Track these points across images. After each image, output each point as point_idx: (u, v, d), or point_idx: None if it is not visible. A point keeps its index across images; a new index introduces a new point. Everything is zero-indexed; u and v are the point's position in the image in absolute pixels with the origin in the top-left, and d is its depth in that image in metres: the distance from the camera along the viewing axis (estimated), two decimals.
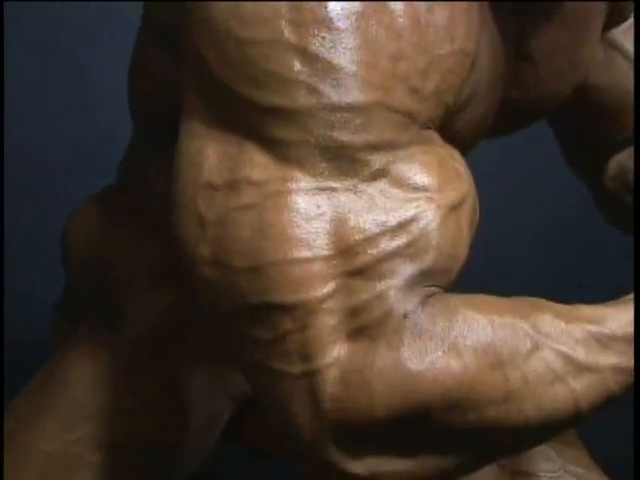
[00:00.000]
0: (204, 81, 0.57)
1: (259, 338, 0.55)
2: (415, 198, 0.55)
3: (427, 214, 0.55)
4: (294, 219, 0.53)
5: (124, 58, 0.98)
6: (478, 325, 0.55)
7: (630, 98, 0.86)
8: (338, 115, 0.54)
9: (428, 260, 0.55)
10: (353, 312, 0.53)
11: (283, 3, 0.54)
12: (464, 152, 0.69)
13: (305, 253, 0.53)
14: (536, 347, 0.55)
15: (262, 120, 0.55)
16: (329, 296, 0.53)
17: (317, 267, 0.53)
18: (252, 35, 0.54)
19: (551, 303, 0.58)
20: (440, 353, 0.53)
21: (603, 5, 0.80)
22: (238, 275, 0.54)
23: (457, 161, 0.59)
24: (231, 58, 0.55)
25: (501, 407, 0.54)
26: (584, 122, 0.91)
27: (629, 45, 0.86)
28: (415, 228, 0.55)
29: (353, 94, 0.54)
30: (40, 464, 0.75)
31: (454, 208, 0.57)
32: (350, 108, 0.54)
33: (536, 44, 0.74)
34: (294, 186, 0.54)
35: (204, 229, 0.55)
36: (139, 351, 0.78)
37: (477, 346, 0.54)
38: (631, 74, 0.86)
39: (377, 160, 0.55)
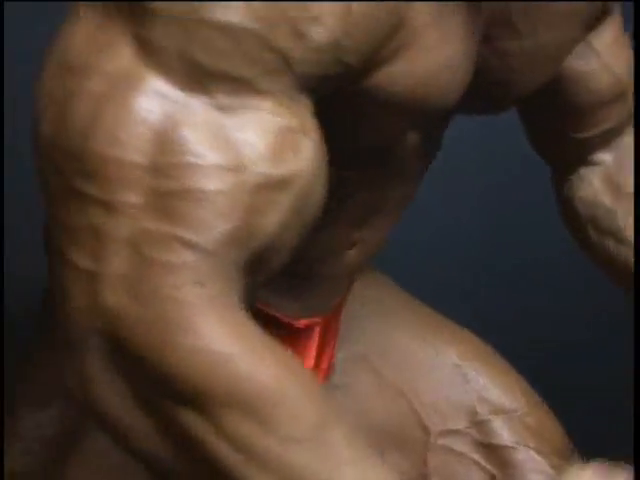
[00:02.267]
0: None
1: (61, 218, 0.54)
2: (241, 153, 0.52)
3: (245, 173, 0.53)
4: (124, 117, 0.52)
5: None
6: (266, 364, 0.52)
7: (596, 96, 0.82)
8: (207, 32, 0.51)
9: (234, 221, 0.52)
10: (150, 236, 0.52)
11: None
12: (432, 118, 0.65)
13: (121, 154, 0.52)
14: (314, 439, 0.53)
15: (138, 15, 0.52)
16: (132, 206, 0.52)
17: (129, 172, 0.52)
18: None
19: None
20: (207, 356, 0.51)
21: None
22: (66, 157, 0.53)
23: (308, 137, 0.55)
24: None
25: (232, 452, 0.52)
26: (552, 114, 0.85)
27: (598, 45, 0.81)
28: (229, 179, 0.52)
29: (230, 14, 0.51)
30: (16, 448, 0.74)
31: (278, 183, 0.53)
32: (221, 27, 0.51)
33: (520, 13, 0.67)
34: (138, 84, 0.52)
35: (49, 107, 0.55)
36: None
37: (249, 378, 0.52)
38: (601, 75, 0.82)
39: (226, 95, 0.52)
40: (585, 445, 0.92)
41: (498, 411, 0.89)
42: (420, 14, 0.57)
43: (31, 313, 0.93)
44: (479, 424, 0.88)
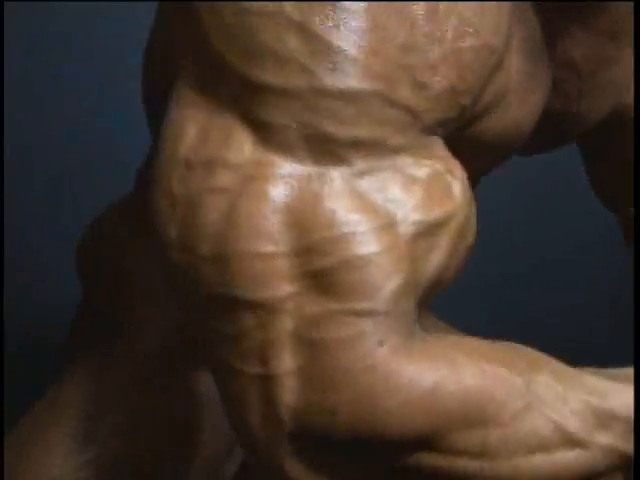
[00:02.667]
0: (199, 48, 0.52)
1: (218, 330, 0.51)
2: (392, 209, 0.51)
3: (402, 226, 0.51)
4: (262, 209, 0.49)
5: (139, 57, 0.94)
6: (465, 372, 0.50)
7: None
8: (328, 101, 0.49)
9: (400, 276, 0.50)
10: (317, 321, 0.50)
11: None
12: (492, 164, 0.66)
13: (268, 247, 0.49)
14: (526, 408, 0.51)
15: (249, 97, 0.50)
16: (290, 297, 0.49)
17: (280, 264, 0.49)
18: (252, 4, 0.50)
19: (553, 361, 0.54)
20: (415, 394, 0.49)
21: None
22: (203, 262, 0.50)
23: (454, 176, 0.54)
24: (227, 26, 0.51)
25: (474, 462, 0.51)
26: (616, 148, 0.84)
27: None
28: (386, 237, 0.50)
29: (349, 79, 0.49)
30: None
31: (435, 227, 0.52)
32: (343, 95, 0.49)
33: (581, 51, 0.68)
34: (269, 171, 0.50)
35: (174, 209, 0.52)
36: (147, 366, 0.74)
37: (461, 393, 0.50)
38: None
39: (361, 161, 0.50)
40: None
41: None
42: (516, 58, 0.58)
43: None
44: None
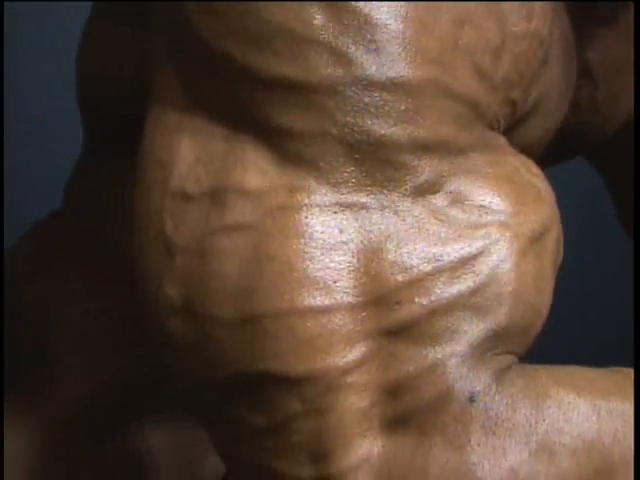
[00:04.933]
0: (181, 45, 0.40)
1: (251, 424, 0.38)
2: (482, 224, 0.39)
3: (500, 247, 0.39)
4: (306, 249, 0.37)
5: None
6: (579, 413, 0.39)
7: None
8: (375, 96, 0.37)
9: (502, 314, 0.39)
10: (393, 391, 0.37)
11: None
12: None
13: (322, 300, 0.37)
14: None
15: (261, 99, 0.38)
16: (357, 365, 0.37)
17: (339, 321, 0.37)
18: None
19: None
20: (525, 455, 0.37)
21: None
22: (221, 330, 0.37)
23: (536, 176, 0.43)
24: (221, 10, 0.38)
25: None
26: (626, 160, 0.75)
27: None
28: (484, 267, 0.38)
29: (398, 65, 0.37)
30: None
31: (535, 240, 0.40)
32: (393, 86, 0.37)
33: (598, 57, 0.58)
34: (306, 200, 0.37)
35: (172, 259, 0.38)
36: (73, 428, 0.59)
37: (578, 445, 0.38)
38: None
39: (427, 167, 0.38)
40: None
41: None
42: (555, 58, 0.48)
43: None
44: None
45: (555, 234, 0.42)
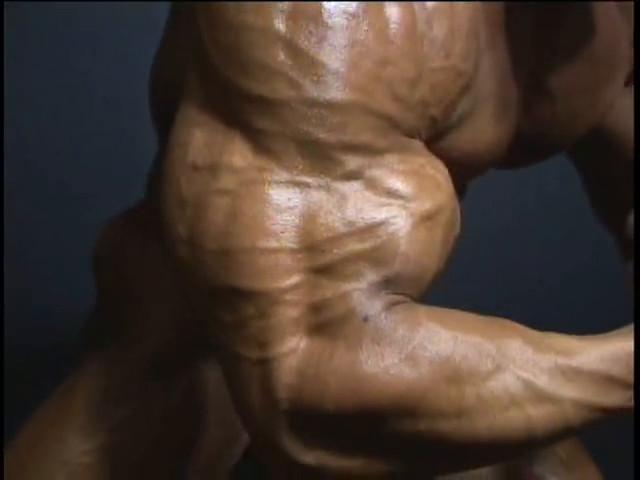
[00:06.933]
0: (201, 65, 0.58)
1: (223, 320, 0.56)
2: (387, 203, 0.56)
3: (398, 220, 0.55)
4: (265, 209, 0.55)
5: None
6: (440, 338, 0.55)
7: None
8: (316, 111, 0.54)
9: (394, 266, 0.55)
10: (315, 308, 0.55)
11: None
12: (469, 176, 0.70)
13: (272, 244, 0.54)
14: (497, 369, 0.55)
15: (246, 108, 0.55)
16: (292, 288, 0.54)
17: (282, 259, 0.54)
18: (244, 20, 0.55)
19: (523, 328, 0.58)
20: (396, 360, 0.54)
21: (629, 49, 0.79)
22: (208, 256, 0.56)
23: (438, 172, 0.59)
24: (223, 42, 0.56)
25: (452, 422, 0.55)
26: (610, 172, 0.89)
27: None
28: (383, 232, 0.55)
29: (332, 91, 0.54)
30: (61, 473, 0.77)
31: (428, 218, 0.57)
32: (328, 105, 0.54)
33: (557, 81, 0.73)
34: (269, 177, 0.55)
35: (183, 209, 0.57)
36: (154, 363, 0.79)
37: (435, 358, 0.55)
38: None
39: (351, 161, 0.55)
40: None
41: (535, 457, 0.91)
42: (485, 82, 0.63)
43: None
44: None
45: (447, 215, 0.58)
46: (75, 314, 1.62)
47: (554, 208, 1.73)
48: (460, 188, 0.75)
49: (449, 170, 0.61)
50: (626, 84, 0.82)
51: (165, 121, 0.77)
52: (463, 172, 0.66)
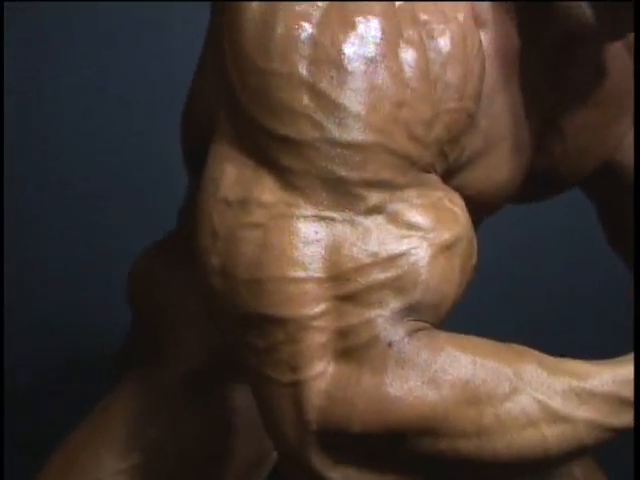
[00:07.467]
0: (230, 105, 0.61)
1: (254, 345, 0.60)
2: (408, 235, 0.59)
3: (418, 250, 0.59)
4: (293, 241, 0.58)
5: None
6: (460, 363, 0.58)
7: None
8: (338, 150, 0.58)
9: (415, 294, 0.59)
10: (341, 334, 0.58)
11: (304, 39, 0.58)
12: (485, 212, 0.73)
13: (300, 273, 0.58)
14: (514, 391, 0.58)
15: (273, 147, 0.59)
16: (319, 315, 0.58)
17: (310, 287, 0.58)
18: (271, 66, 0.58)
19: (538, 353, 0.61)
20: (419, 383, 0.57)
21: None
22: (240, 286, 0.59)
23: (455, 205, 0.62)
24: (252, 86, 0.59)
25: (472, 441, 0.58)
26: (620, 203, 0.91)
27: None
28: (405, 262, 0.58)
29: (354, 133, 0.58)
30: None
31: (447, 248, 0.60)
32: (349, 145, 0.58)
33: (568, 119, 0.76)
34: (296, 212, 0.58)
35: (215, 241, 0.60)
36: (187, 384, 0.82)
37: (456, 381, 0.58)
38: None
39: (373, 197, 0.59)
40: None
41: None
42: (498, 123, 0.67)
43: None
44: None
45: (465, 245, 0.61)
46: (77, 314, 1.61)
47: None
48: (477, 221, 0.77)
49: (465, 205, 0.64)
50: None
51: (195, 156, 0.81)
52: (478, 208, 0.69)
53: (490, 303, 1.61)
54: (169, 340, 0.84)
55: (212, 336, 0.81)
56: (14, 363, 1.57)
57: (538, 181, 0.78)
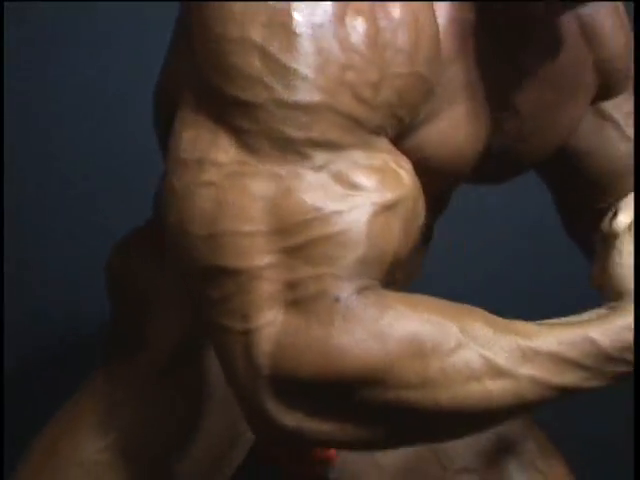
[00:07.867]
0: (192, 73, 0.65)
1: (211, 297, 0.63)
2: (352, 194, 0.62)
3: (360, 209, 0.61)
4: (244, 198, 0.61)
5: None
6: (407, 319, 0.61)
7: (617, 164, 0.90)
8: (287, 111, 0.61)
9: (358, 250, 0.61)
10: (290, 285, 0.61)
11: (260, 6, 0.61)
12: (444, 183, 0.75)
13: (250, 227, 0.61)
14: (460, 346, 0.61)
15: (228, 109, 0.63)
16: (268, 267, 0.61)
17: (259, 240, 0.61)
18: (226, 32, 0.62)
19: (486, 313, 0.64)
20: (365, 336, 0.60)
21: (592, 75, 0.85)
22: (197, 240, 0.63)
23: (401, 167, 0.65)
24: (210, 52, 0.63)
25: (418, 391, 0.61)
26: (576, 188, 0.94)
27: (618, 115, 0.89)
28: (347, 219, 0.61)
29: (301, 94, 0.61)
30: (78, 475, 0.82)
31: (387, 208, 0.62)
32: (297, 106, 0.61)
33: (522, 98, 0.78)
34: (248, 170, 0.62)
35: (174, 197, 0.64)
36: (157, 369, 0.85)
37: (402, 336, 0.60)
38: (620, 144, 0.90)
39: (320, 156, 0.62)
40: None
41: (510, 454, 0.96)
42: (450, 86, 0.70)
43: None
44: (492, 465, 0.96)
45: (409, 207, 0.64)
46: (77, 313, 1.61)
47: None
48: (438, 195, 0.82)
49: (423, 176, 0.67)
50: (593, 101, 0.88)
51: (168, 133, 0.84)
52: (435, 176, 0.72)
53: (491, 303, 1.61)
54: (147, 322, 0.87)
55: (188, 314, 0.84)
56: (14, 362, 1.57)
57: (494, 159, 0.81)
